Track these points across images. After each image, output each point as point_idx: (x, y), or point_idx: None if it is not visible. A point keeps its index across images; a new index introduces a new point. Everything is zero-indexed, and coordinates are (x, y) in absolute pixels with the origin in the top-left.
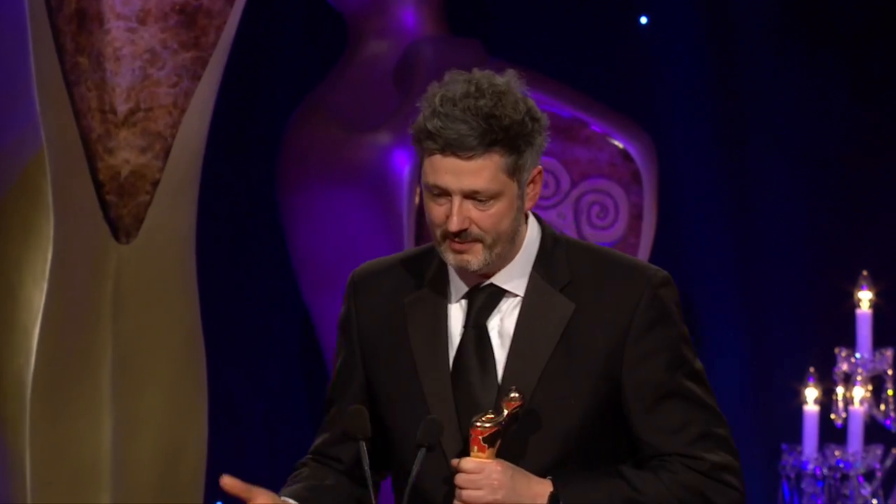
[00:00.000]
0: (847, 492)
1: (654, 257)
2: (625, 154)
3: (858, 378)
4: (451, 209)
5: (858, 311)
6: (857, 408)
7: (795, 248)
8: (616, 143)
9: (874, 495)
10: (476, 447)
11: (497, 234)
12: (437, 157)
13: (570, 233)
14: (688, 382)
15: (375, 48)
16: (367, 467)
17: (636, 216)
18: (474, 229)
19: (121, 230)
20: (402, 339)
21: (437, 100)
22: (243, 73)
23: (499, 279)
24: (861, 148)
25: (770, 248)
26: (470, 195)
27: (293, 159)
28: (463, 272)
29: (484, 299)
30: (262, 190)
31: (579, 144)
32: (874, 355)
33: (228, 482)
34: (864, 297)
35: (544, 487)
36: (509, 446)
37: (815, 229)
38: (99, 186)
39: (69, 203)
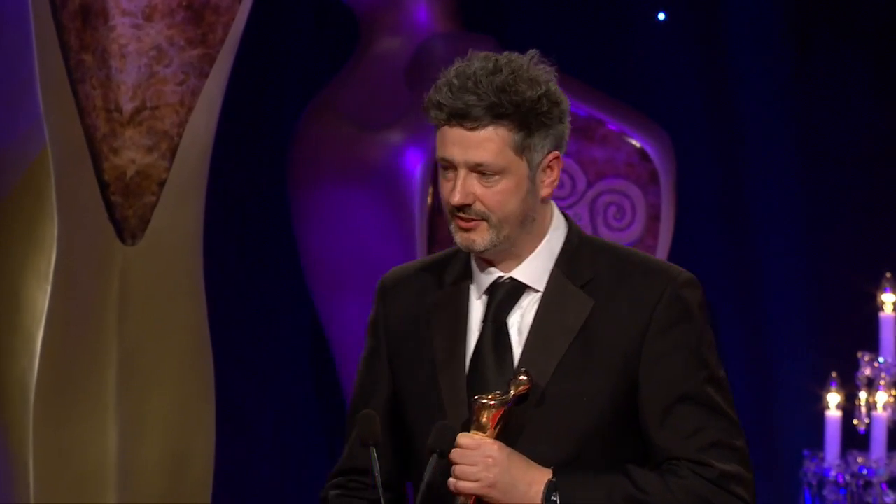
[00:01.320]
0: (870, 499)
1: (672, 259)
2: (642, 153)
3: (882, 383)
4: (455, 182)
5: (882, 315)
6: (881, 413)
7: (817, 249)
8: (633, 142)
9: None
10: (477, 425)
11: (503, 214)
12: (445, 129)
13: None
14: (706, 387)
15: (387, 45)
16: (377, 474)
17: (654, 217)
18: (478, 206)
19: (126, 231)
20: (426, 338)
21: (451, 73)
22: (252, 71)
23: (519, 274)
24: (885, 147)
25: (791, 248)
26: (475, 168)
27: (303, 158)
28: (482, 266)
29: (503, 294)
30: (272, 190)
31: (595, 144)
32: None
33: None
34: (888, 299)
35: (542, 475)
36: (522, 441)
37: (837, 231)
38: (104, 186)
39: (73, 203)
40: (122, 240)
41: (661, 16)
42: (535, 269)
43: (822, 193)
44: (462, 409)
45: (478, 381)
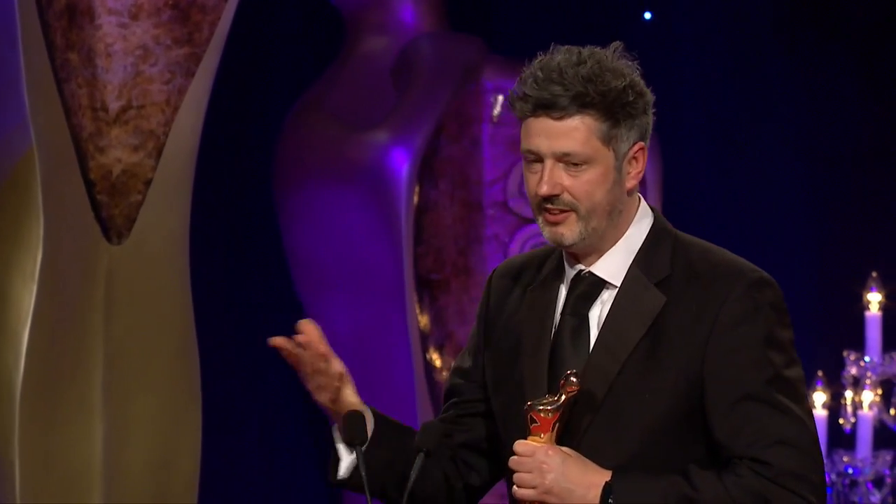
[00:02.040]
0: (856, 498)
1: None
2: None
3: (868, 382)
4: (542, 174)
5: (868, 314)
6: (867, 412)
7: (803, 248)
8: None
9: (883, 502)
10: (533, 430)
11: (591, 205)
12: (530, 120)
13: None
14: (769, 387)
15: (373, 45)
16: (363, 473)
17: None
18: (566, 196)
19: (112, 230)
20: (518, 329)
21: (535, 66)
22: (238, 70)
23: (598, 268)
24: (871, 146)
25: (777, 248)
26: (561, 158)
27: (289, 158)
28: (568, 259)
29: (584, 288)
30: (258, 189)
31: None
32: (884, 359)
33: (308, 328)
34: (874, 299)
35: (601, 477)
36: (587, 439)
37: (823, 230)
38: (90, 186)
39: (59, 203)
40: (109, 239)
41: (648, 15)
42: (613, 263)
43: (809, 193)
44: (540, 393)
45: (556, 373)
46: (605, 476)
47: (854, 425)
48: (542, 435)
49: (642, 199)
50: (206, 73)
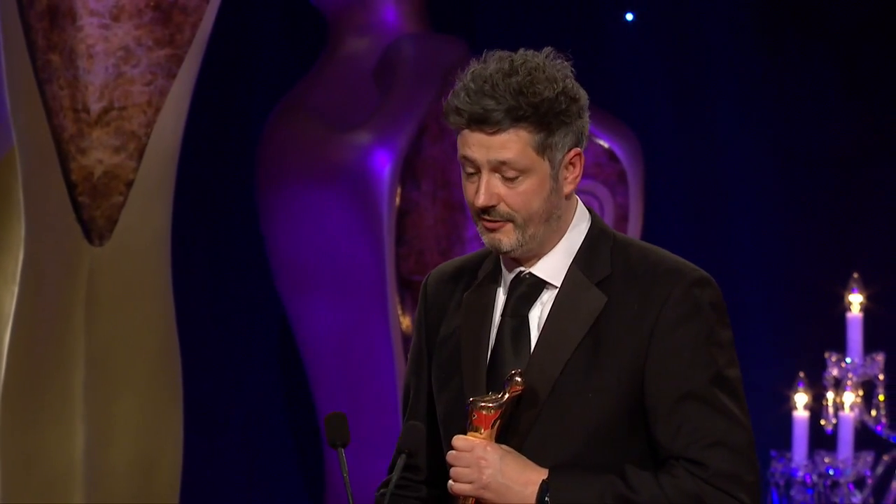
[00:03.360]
0: (837, 499)
1: None
2: (610, 154)
3: (849, 383)
4: (479, 184)
5: (849, 315)
6: (848, 413)
7: (785, 250)
8: (601, 142)
9: (864, 503)
10: (473, 427)
11: (528, 214)
12: (465, 132)
13: None
14: (711, 387)
15: (356, 45)
16: (345, 474)
17: (622, 217)
18: (503, 207)
19: (94, 232)
20: (456, 333)
21: (468, 76)
22: (220, 71)
23: (538, 269)
24: (852, 148)
25: (759, 249)
26: (497, 168)
27: (271, 159)
28: (507, 261)
29: (524, 289)
30: (240, 190)
31: None
32: (865, 360)
33: None
34: (855, 300)
35: (538, 475)
36: (530, 439)
37: (804, 231)
38: (71, 187)
39: (41, 204)
40: (90, 240)
41: (630, 16)
42: (553, 264)
43: (791, 194)
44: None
45: (496, 375)
46: (543, 474)
47: (835, 426)
48: (481, 430)
49: (580, 201)
50: (188, 74)
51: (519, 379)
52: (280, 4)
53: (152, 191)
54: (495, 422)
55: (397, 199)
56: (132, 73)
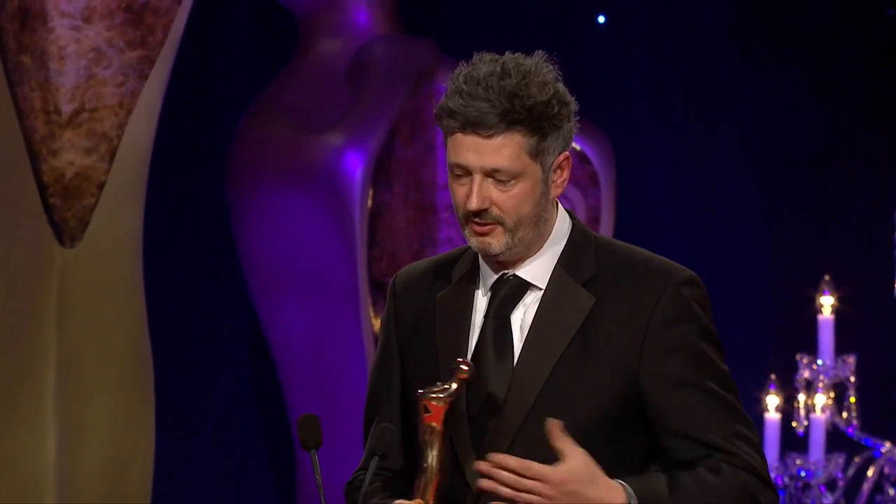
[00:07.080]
0: (808, 501)
1: None
2: (582, 156)
3: (820, 385)
4: (471, 188)
5: (820, 317)
6: (819, 416)
7: (756, 252)
8: (573, 144)
9: None
10: (425, 420)
11: (519, 218)
12: (459, 136)
13: None
14: (710, 383)
15: (327, 47)
16: (318, 477)
17: (593, 219)
18: (494, 211)
19: (65, 234)
20: (432, 334)
21: (460, 78)
22: (192, 73)
23: (522, 271)
24: (823, 150)
25: (730, 251)
26: (490, 174)
27: (243, 160)
28: (489, 263)
29: (507, 291)
30: (211, 192)
31: None
32: (836, 362)
33: None
34: (826, 302)
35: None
36: (520, 438)
37: (775, 232)
38: (42, 189)
39: (12, 206)
40: (61, 242)
41: (601, 18)
42: (538, 266)
43: (761, 196)
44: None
45: (477, 376)
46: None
47: (807, 428)
48: (434, 424)
49: (559, 202)
50: (160, 75)
51: (465, 367)
52: (251, 6)
53: (124, 193)
54: (445, 413)
55: (369, 201)
56: (104, 74)
